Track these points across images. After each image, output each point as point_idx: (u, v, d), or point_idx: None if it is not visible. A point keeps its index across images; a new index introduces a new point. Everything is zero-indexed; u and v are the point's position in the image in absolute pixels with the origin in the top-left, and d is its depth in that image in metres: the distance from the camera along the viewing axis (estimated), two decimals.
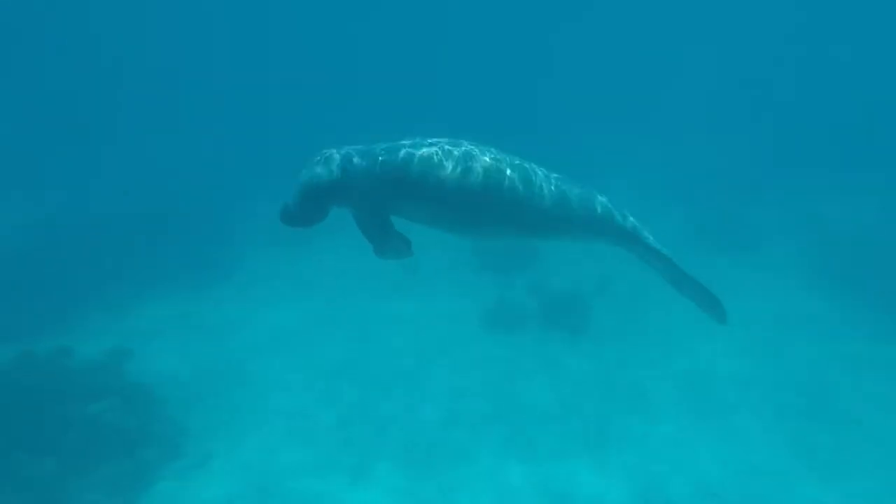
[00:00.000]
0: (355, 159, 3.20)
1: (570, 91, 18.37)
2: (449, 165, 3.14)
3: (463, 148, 3.24)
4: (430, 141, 3.26)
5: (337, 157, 3.21)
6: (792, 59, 19.25)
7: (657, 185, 12.97)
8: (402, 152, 3.18)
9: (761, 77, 18.86)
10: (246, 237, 10.49)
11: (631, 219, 3.68)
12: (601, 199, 3.57)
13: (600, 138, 14.81)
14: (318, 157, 3.23)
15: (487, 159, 3.22)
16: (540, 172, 3.37)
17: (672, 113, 16.89)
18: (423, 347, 7.73)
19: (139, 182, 11.96)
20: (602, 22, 21.92)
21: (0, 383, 5.62)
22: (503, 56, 20.72)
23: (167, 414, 6.18)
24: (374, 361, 7.50)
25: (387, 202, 3.20)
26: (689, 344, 7.72)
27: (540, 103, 16.28)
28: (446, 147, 3.22)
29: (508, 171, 3.22)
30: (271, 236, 10.09)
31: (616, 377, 7.15)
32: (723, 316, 3.80)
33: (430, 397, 6.82)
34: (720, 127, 15.75)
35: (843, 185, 12.00)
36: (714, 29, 21.53)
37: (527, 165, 3.33)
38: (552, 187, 3.33)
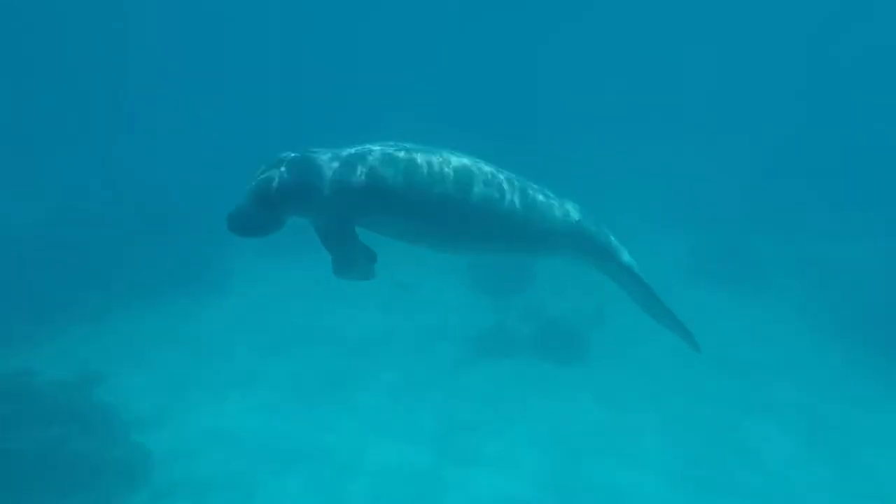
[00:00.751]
0: (318, 163, 2.82)
1: (569, 103, 18.19)
2: (422, 174, 2.85)
3: (437, 156, 2.95)
4: (401, 146, 2.95)
5: (297, 160, 2.82)
6: (800, 84, 19.21)
7: (656, 205, 12.79)
8: (371, 157, 2.84)
9: (768, 99, 18.79)
10: (234, 247, 10.19)
11: (608, 235, 3.45)
12: (577, 211, 3.33)
13: (598, 156, 14.63)
14: (275, 160, 2.84)
15: (462, 167, 2.95)
16: (516, 183, 3.11)
17: (674, 131, 16.76)
18: (410, 369, 7.47)
19: (133, 184, 11.65)
20: (602, 30, 21.87)
21: None
22: (501, 66, 20.58)
23: (130, 438, 5.84)
24: (355, 382, 7.20)
25: (352, 212, 2.85)
26: (681, 384, 7.44)
27: (539, 113, 16.04)
28: (420, 154, 2.91)
29: (483, 183, 2.97)
30: (260, 246, 9.80)
31: (601, 419, 6.80)
32: (695, 346, 3.61)
33: (402, 428, 6.52)
34: (724, 149, 15.61)
35: (848, 224, 11.81)
36: (721, 47, 21.49)
37: (502, 176, 3.08)
38: (527, 198, 3.09)
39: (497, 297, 8.97)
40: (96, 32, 19.17)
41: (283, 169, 2.78)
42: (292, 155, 2.85)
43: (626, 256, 3.48)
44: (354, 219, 2.88)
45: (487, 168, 3.04)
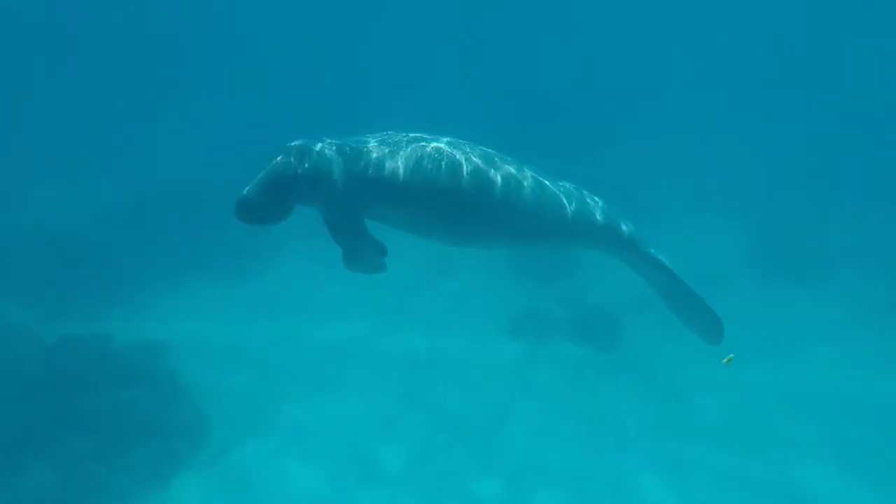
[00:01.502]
0: (329, 153, 2.79)
1: (607, 85, 17.38)
2: (436, 165, 2.78)
3: (450, 146, 2.88)
4: (414, 136, 2.88)
5: (308, 148, 2.80)
6: (861, 69, 17.51)
7: (708, 194, 12.15)
8: (383, 148, 2.80)
9: (827, 84, 17.29)
10: (287, 226, 10.59)
11: (629, 225, 3.34)
12: (598, 202, 3.24)
13: (644, 139, 13.99)
14: (287, 148, 2.82)
15: (478, 160, 2.88)
16: (530, 173, 3.03)
17: (726, 111, 15.73)
18: (443, 347, 7.61)
19: (189, 164, 12.31)
20: (651, 12, 20.67)
21: (44, 362, 5.94)
22: (534, 54, 19.82)
23: (193, 404, 6.34)
24: (392, 358, 7.45)
25: (362, 203, 2.82)
26: (722, 382, 7.11)
27: (575, 100, 15.40)
28: (433, 144, 2.85)
29: (500, 174, 2.89)
30: (311, 228, 10.18)
31: (634, 409, 6.68)
32: (718, 337, 3.49)
33: (437, 400, 6.67)
34: (783, 132, 14.54)
35: None
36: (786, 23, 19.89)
37: (517, 166, 3.00)
38: (545, 190, 3.01)
39: (537, 282, 8.93)
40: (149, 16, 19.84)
41: (292, 157, 2.77)
42: (302, 143, 2.82)
43: (650, 248, 3.37)
44: (364, 210, 2.84)
45: (504, 161, 2.96)
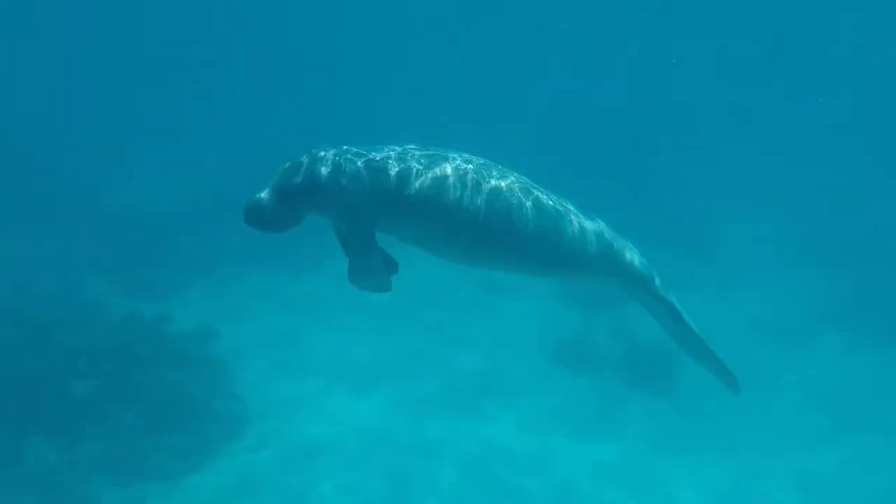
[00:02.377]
0: (345, 161, 2.70)
1: (681, 119, 16.30)
2: (457, 183, 2.69)
3: (472, 165, 2.79)
4: (435, 151, 2.80)
5: (326, 157, 2.71)
6: None
7: (774, 235, 11.07)
8: (405, 161, 2.71)
9: None
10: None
11: (646, 262, 3.23)
12: (616, 236, 3.13)
13: (703, 176, 13.02)
14: (303, 155, 2.75)
15: (500, 181, 2.78)
16: (551, 199, 2.91)
17: (813, 150, 14.32)
18: (487, 371, 7.38)
19: (246, 162, 12.88)
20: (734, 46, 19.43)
21: (109, 337, 6.37)
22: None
23: (236, 393, 6.53)
24: (432, 372, 7.35)
25: (374, 216, 2.71)
26: (792, 440, 6.37)
27: (646, 133, 14.55)
28: (456, 162, 2.76)
29: (521, 197, 2.80)
30: None
31: (675, 458, 6.16)
32: (735, 386, 3.38)
33: (483, 425, 6.45)
34: (876, 174, 13.02)
35: None
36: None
37: (539, 191, 2.90)
38: (563, 217, 2.91)
39: (587, 310, 8.48)
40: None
41: (306, 163, 2.70)
42: (317, 150, 2.76)
43: (666, 292, 3.25)
44: (376, 222, 2.75)
45: (526, 185, 2.87)
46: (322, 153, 2.74)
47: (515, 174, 2.91)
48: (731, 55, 20.14)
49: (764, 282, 9.60)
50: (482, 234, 2.75)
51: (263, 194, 2.68)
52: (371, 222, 2.74)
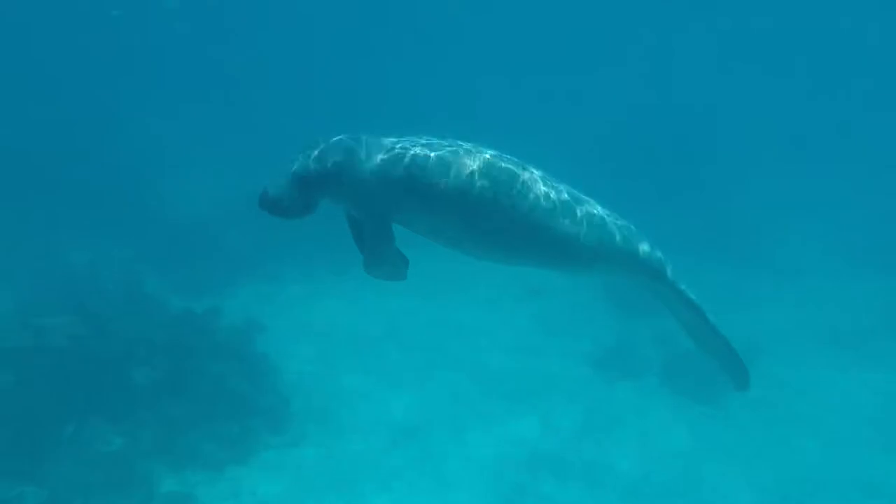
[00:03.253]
0: (365, 149, 2.70)
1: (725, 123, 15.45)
2: (472, 174, 2.68)
3: (494, 157, 2.78)
4: (456, 143, 2.78)
5: (341, 143, 2.70)
6: None
7: (841, 241, 10.41)
8: (425, 151, 2.69)
9: None
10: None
11: (658, 252, 3.15)
12: (630, 226, 3.09)
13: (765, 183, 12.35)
14: (321, 141, 2.73)
15: (515, 172, 2.77)
16: (570, 194, 2.91)
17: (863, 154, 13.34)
18: (526, 372, 7.36)
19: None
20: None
21: (164, 331, 6.77)
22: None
23: (279, 389, 6.80)
24: (471, 373, 7.38)
25: (392, 206, 2.69)
26: (853, 451, 6.00)
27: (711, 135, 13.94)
28: (471, 153, 2.75)
29: (536, 190, 2.79)
30: (404, 235, 10.49)
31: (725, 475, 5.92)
32: (745, 384, 3.36)
33: (518, 427, 6.43)
34: None
35: None
36: None
37: (553, 182, 2.89)
38: (580, 212, 2.89)
39: (630, 314, 8.29)
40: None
41: (325, 149, 2.68)
42: (338, 138, 2.73)
43: (679, 281, 3.20)
44: (393, 213, 2.73)
45: (539, 174, 2.86)
46: (340, 140, 2.73)
47: (532, 166, 2.90)
48: (788, 55, 19.10)
49: (825, 289, 9.12)
50: (500, 225, 2.75)
51: (279, 179, 2.67)
52: (388, 211, 2.73)
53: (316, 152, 2.69)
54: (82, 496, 5.25)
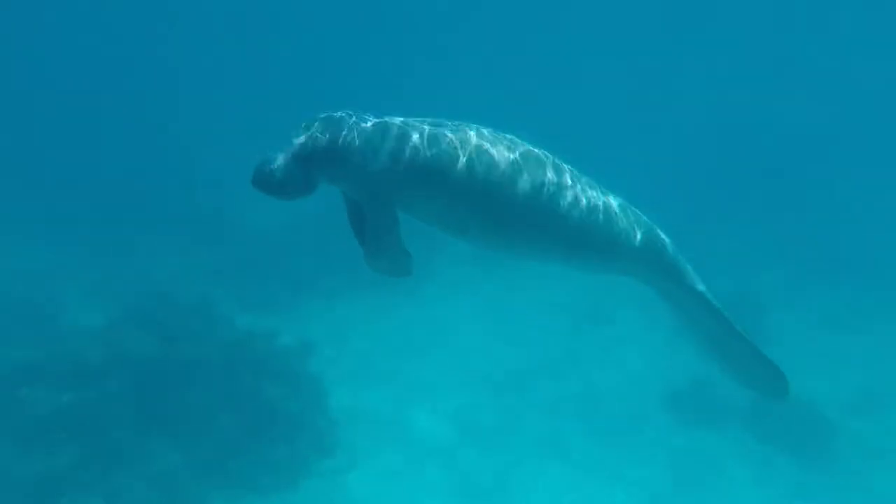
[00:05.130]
0: (371, 127, 2.51)
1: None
2: (485, 160, 2.51)
3: (506, 143, 2.63)
4: (468, 126, 2.60)
5: (349, 121, 2.51)
6: None
7: None
8: (437, 136, 2.52)
9: None
10: (440, 255, 10.82)
11: (678, 252, 3.02)
12: (646, 221, 2.94)
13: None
14: (325, 117, 2.53)
15: (531, 160, 2.62)
16: (588, 186, 2.77)
17: None
18: (589, 409, 6.77)
19: None
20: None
21: (224, 350, 6.96)
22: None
23: (329, 413, 6.74)
24: (534, 408, 6.97)
25: (398, 192, 2.51)
26: None
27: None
28: (486, 139, 2.58)
29: (553, 177, 2.63)
30: (462, 255, 10.23)
31: None
32: (784, 391, 3.06)
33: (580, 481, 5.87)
34: None
35: None
36: None
37: (570, 172, 2.74)
38: (597, 204, 2.74)
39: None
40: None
41: (329, 125, 2.49)
42: (342, 113, 2.54)
43: (699, 283, 2.98)
44: (397, 198, 2.53)
45: (558, 165, 2.69)
46: (345, 116, 2.55)
47: (546, 152, 2.74)
48: None
49: None
50: (512, 214, 2.60)
51: (276, 155, 2.49)
52: (392, 196, 2.55)
53: (320, 127, 2.51)
54: None
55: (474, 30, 21.31)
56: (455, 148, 2.53)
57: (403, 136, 2.53)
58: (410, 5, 21.84)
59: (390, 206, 2.56)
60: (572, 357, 7.88)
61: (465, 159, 2.52)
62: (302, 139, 2.49)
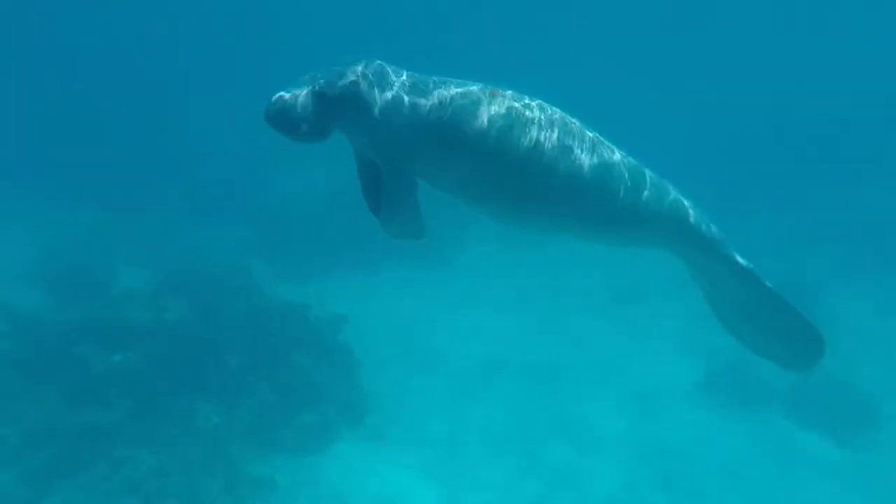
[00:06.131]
0: (404, 85, 2.39)
1: None
2: (522, 124, 2.43)
3: (538, 108, 2.53)
4: (497, 91, 2.50)
5: (381, 70, 2.40)
6: None
7: None
8: (467, 97, 2.41)
9: None
10: (470, 231, 10.74)
11: (709, 220, 2.89)
12: (673, 190, 2.82)
13: None
14: (357, 63, 2.41)
15: (562, 125, 2.53)
16: (606, 147, 2.66)
17: None
18: (623, 390, 6.71)
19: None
20: None
21: (264, 319, 7.22)
22: None
23: (359, 382, 6.93)
24: (557, 384, 6.94)
25: (421, 154, 2.41)
26: None
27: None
28: (522, 102, 2.49)
29: (581, 144, 2.54)
30: (494, 231, 10.15)
31: None
32: (817, 356, 2.92)
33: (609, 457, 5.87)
34: None
35: None
36: None
37: (597, 137, 2.65)
38: (631, 173, 2.66)
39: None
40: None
41: (357, 70, 2.36)
42: (376, 62, 2.44)
43: (734, 252, 2.86)
44: (417, 161, 2.43)
45: (584, 132, 2.58)
46: (377, 65, 2.46)
47: (573, 118, 2.64)
48: None
49: None
50: (539, 183, 2.50)
51: (297, 90, 2.35)
52: (413, 157, 2.45)
53: (348, 71, 2.40)
54: (182, 468, 5.79)
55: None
56: (498, 115, 2.43)
57: (434, 97, 2.42)
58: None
59: (410, 168, 2.46)
60: (603, 338, 7.78)
61: (506, 127, 2.43)
62: (330, 78, 2.38)
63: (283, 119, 2.31)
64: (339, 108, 2.36)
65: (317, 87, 2.34)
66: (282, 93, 2.33)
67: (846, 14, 17.75)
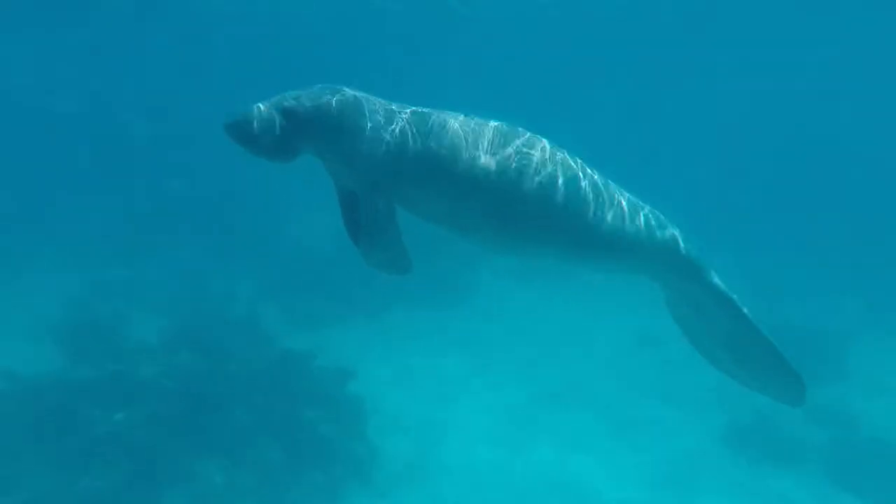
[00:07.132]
0: (383, 114, 2.35)
1: None
2: (498, 153, 2.39)
3: (521, 137, 2.53)
4: (476, 119, 2.47)
5: (358, 98, 2.35)
6: None
7: None
8: (453, 126, 2.37)
9: None
10: (481, 268, 10.49)
11: (695, 247, 2.85)
12: (659, 216, 2.81)
13: None
14: (327, 88, 2.36)
15: (545, 154, 2.50)
16: (590, 174, 2.61)
17: None
18: (639, 446, 6.24)
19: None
20: None
21: (272, 371, 7.02)
22: None
23: (369, 437, 6.63)
24: (580, 443, 6.53)
25: (405, 180, 2.34)
26: None
27: None
28: (501, 132, 2.47)
29: (565, 173, 2.52)
30: (507, 268, 9.90)
31: None
32: (800, 398, 2.82)
33: None
34: None
35: None
36: None
37: (581, 165, 2.61)
38: (601, 194, 2.59)
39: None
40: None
41: (327, 94, 2.32)
42: (347, 90, 2.38)
43: (716, 277, 2.82)
44: (399, 194, 2.35)
45: (567, 159, 2.56)
46: (352, 93, 2.41)
47: (559, 148, 2.61)
48: None
49: None
50: (530, 211, 2.47)
51: (261, 104, 2.31)
52: (394, 187, 2.37)
53: (322, 92, 2.36)
54: None
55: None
56: (467, 142, 2.40)
57: (418, 125, 2.39)
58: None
59: (388, 197, 2.38)
60: (624, 382, 7.36)
61: (476, 154, 2.39)
62: (300, 97, 2.34)
63: (240, 131, 2.28)
64: (308, 128, 2.31)
65: (286, 104, 2.30)
66: (247, 106, 2.31)
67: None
